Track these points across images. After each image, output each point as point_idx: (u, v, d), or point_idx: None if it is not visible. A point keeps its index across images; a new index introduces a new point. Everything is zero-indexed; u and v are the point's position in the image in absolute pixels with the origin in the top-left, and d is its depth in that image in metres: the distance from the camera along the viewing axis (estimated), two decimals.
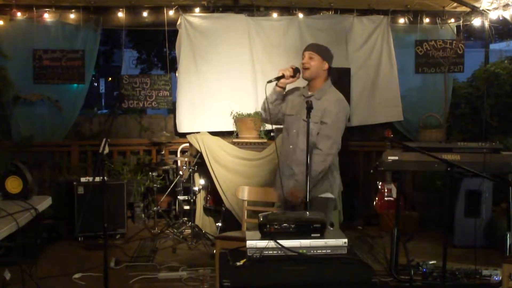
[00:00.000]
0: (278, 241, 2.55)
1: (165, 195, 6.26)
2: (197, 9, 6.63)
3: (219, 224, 5.60)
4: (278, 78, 3.54)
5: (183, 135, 6.49)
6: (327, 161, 3.51)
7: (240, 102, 6.49)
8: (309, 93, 3.57)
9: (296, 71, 3.52)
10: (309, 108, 3.57)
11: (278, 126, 6.43)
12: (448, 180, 4.53)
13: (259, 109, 6.64)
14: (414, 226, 6.00)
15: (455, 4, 6.70)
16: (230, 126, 6.55)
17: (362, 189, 7.07)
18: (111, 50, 15.41)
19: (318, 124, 3.47)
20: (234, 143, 5.98)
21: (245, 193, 4.28)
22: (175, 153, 6.80)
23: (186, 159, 5.91)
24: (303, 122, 3.43)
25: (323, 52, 3.54)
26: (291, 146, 3.56)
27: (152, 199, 6.28)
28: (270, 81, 3.53)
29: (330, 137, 3.52)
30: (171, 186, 6.21)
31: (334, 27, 6.87)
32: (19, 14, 6.47)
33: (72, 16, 6.58)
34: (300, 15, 6.82)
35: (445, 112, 6.97)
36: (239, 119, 6.33)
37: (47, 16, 6.54)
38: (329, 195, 3.60)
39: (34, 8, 6.44)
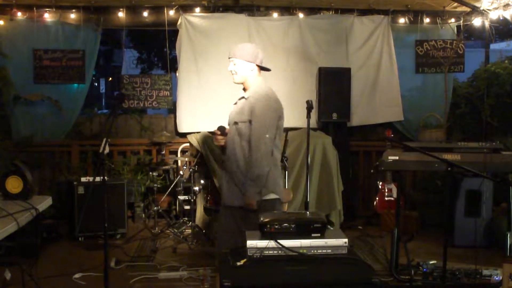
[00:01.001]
0: (279, 241, 2.55)
1: (165, 195, 6.26)
2: (197, 9, 6.63)
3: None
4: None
5: (184, 135, 6.50)
6: (265, 163, 3.40)
7: None
8: (242, 94, 3.59)
9: (222, 129, 3.58)
10: (310, 108, 3.59)
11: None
12: (449, 180, 4.56)
13: None
14: (415, 226, 6.00)
15: (455, 4, 6.70)
16: None
17: (362, 189, 7.08)
18: (111, 50, 15.45)
19: (246, 123, 3.43)
20: None
21: None
22: (175, 153, 6.80)
23: (186, 159, 5.91)
24: (234, 125, 3.50)
25: (245, 55, 3.52)
26: (227, 152, 3.56)
27: (153, 199, 6.28)
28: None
29: (261, 136, 3.39)
30: (172, 186, 6.21)
31: (334, 27, 6.87)
32: (19, 14, 6.47)
33: (72, 16, 6.59)
34: (301, 15, 6.82)
35: (446, 112, 6.97)
36: None
37: (48, 16, 6.54)
38: (274, 196, 3.50)
39: (34, 8, 6.45)
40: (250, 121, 3.41)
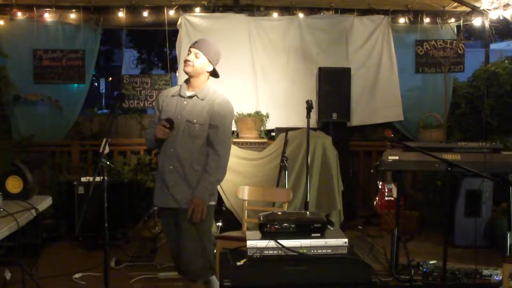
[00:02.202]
0: (279, 241, 2.55)
1: None
2: (197, 9, 6.63)
3: (219, 224, 5.60)
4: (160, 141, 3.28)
5: None
6: (225, 168, 3.29)
7: (241, 102, 6.48)
8: (188, 92, 3.31)
9: (171, 123, 3.23)
10: (310, 107, 3.58)
11: (279, 126, 6.52)
12: (449, 180, 4.56)
13: (259, 108, 6.67)
14: (415, 226, 6.00)
15: (455, 4, 6.70)
16: None
17: (362, 189, 7.08)
18: (111, 50, 15.42)
19: (204, 126, 3.23)
20: (234, 143, 5.98)
21: (245, 193, 4.28)
22: None
23: None
24: (186, 123, 3.23)
25: (211, 54, 3.31)
26: (171, 150, 3.23)
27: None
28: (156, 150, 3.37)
29: (226, 142, 3.28)
30: None
31: (334, 27, 6.88)
32: (19, 14, 6.48)
33: (72, 16, 6.59)
34: (301, 15, 6.82)
35: (446, 112, 6.97)
36: (239, 119, 6.33)
37: (48, 16, 6.55)
38: (213, 202, 3.38)
39: (34, 8, 6.45)
40: (210, 125, 3.24)
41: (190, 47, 3.33)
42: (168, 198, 3.27)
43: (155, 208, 6.03)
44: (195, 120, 3.24)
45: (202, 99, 3.28)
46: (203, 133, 3.24)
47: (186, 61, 3.29)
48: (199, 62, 3.28)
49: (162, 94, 3.48)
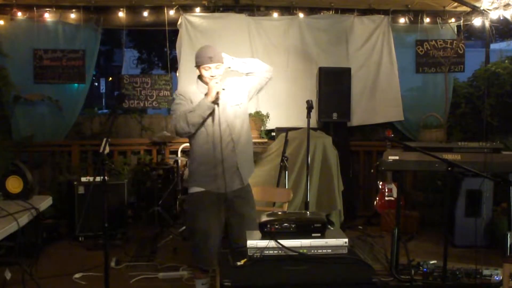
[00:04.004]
0: (279, 240, 2.55)
1: (165, 195, 6.26)
2: (197, 9, 6.63)
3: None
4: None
5: None
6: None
7: None
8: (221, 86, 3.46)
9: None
10: (310, 107, 3.59)
11: (280, 126, 6.51)
12: (449, 180, 4.55)
13: (259, 108, 6.67)
14: (415, 226, 5.99)
15: (455, 4, 6.70)
16: None
17: (362, 189, 7.08)
18: (111, 50, 15.45)
19: (243, 104, 3.52)
20: None
21: None
22: (175, 153, 6.80)
23: (186, 159, 5.90)
24: (229, 107, 3.43)
25: (222, 57, 3.52)
26: (223, 136, 3.38)
27: (153, 199, 6.27)
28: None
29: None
30: (172, 186, 6.21)
31: (334, 27, 6.88)
32: (19, 14, 6.48)
33: (72, 16, 6.59)
34: (301, 15, 6.82)
35: (446, 111, 6.97)
36: None
37: (48, 16, 6.55)
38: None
39: (34, 8, 6.45)
40: (246, 84, 3.54)
41: (205, 64, 3.46)
42: (234, 182, 3.40)
43: (155, 208, 6.05)
44: (235, 104, 3.43)
45: (223, 89, 3.43)
46: (245, 115, 3.49)
47: (212, 76, 3.42)
48: (221, 70, 3.46)
49: (183, 91, 3.56)
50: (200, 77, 3.54)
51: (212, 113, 3.36)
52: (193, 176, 3.47)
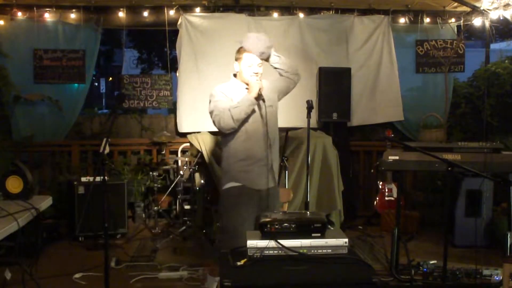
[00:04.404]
0: (279, 240, 2.55)
1: (165, 195, 6.26)
2: (197, 9, 6.63)
3: (219, 224, 5.60)
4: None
5: (184, 135, 6.50)
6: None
7: None
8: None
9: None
10: (310, 108, 3.59)
11: (280, 126, 6.50)
12: (449, 180, 4.55)
13: None
14: (415, 226, 6.00)
15: (455, 4, 6.70)
16: None
17: (362, 189, 7.08)
18: (111, 50, 15.42)
19: (275, 106, 3.62)
20: None
21: None
22: (175, 153, 6.81)
23: (186, 159, 5.91)
24: (267, 108, 3.48)
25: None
26: (264, 132, 3.47)
27: (153, 199, 6.28)
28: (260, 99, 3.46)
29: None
30: (172, 186, 6.22)
31: (334, 27, 6.87)
32: (19, 14, 6.47)
33: (72, 16, 6.58)
34: (301, 15, 6.82)
35: (446, 111, 6.97)
36: None
37: (48, 16, 6.54)
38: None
39: (34, 8, 6.44)
40: (279, 86, 3.65)
41: (253, 56, 3.53)
42: (269, 179, 3.48)
43: (155, 208, 6.05)
44: (269, 104, 3.48)
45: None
46: (276, 116, 3.58)
47: (255, 73, 3.48)
48: (262, 68, 3.55)
49: (223, 89, 3.56)
50: (235, 75, 3.62)
51: (253, 111, 3.41)
52: (229, 172, 3.52)
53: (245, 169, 3.45)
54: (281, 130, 6.15)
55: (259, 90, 3.37)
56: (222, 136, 3.57)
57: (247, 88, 3.46)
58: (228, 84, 3.61)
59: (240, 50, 3.59)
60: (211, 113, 3.49)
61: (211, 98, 3.53)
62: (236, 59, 3.57)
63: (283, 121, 6.66)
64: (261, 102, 3.45)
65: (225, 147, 3.55)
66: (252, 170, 3.45)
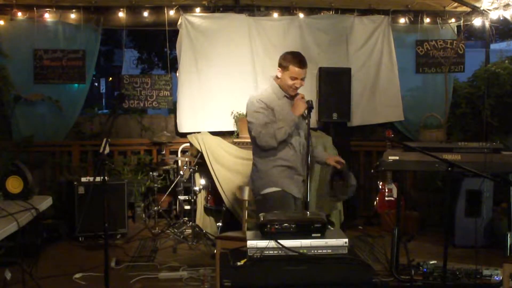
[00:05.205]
0: (279, 241, 2.55)
1: (165, 195, 6.27)
2: (197, 9, 6.63)
3: (220, 224, 5.60)
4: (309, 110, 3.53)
5: (184, 135, 6.50)
6: None
7: (241, 102, 6.46)
8: (285, 93, 3.62)
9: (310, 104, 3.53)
10: (310, 108, 3.59)
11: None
12: (449, 180, 4.55)
13: None
14: (415, 226, 6.00)
15: (455, 4, 6.70)
16: (230, 126, 6.56)
17: (362, 189, 7.07)
18: (111, 50, 15.42)
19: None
20: (234, 143, 5.99)
21: (245, 193, 4.26)
22: (175, 153, 6.80)
23: (186, 159, 5.91)
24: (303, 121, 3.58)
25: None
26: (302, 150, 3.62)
27: (153, 199, 6.28)
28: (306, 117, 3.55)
29: None
30: (172, 186, 6.22)
31: (334, 27, 6.87)
32: (19, 14, 6.47)
33: (72, 16, 6.59)
34: (301, 15, 6.82)
35: (446, 112, 6.97)
36: (239, 119, 6.33)
37: (48, 16, 6.54)
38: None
39: (34, 8, 6.44)
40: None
41: (296, 71, 3.51)
42: (300, 188, 3.63)
43: (155, 208, 6.05)
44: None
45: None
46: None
47: (296, 88, 3.55)
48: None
49: (262, 98, 3.58)
50: (275, 79, 3.64)
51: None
52: (269, 177, 3.61)
53: (285, 175, 3.59)
54: None
55: (305, 109, 3.49)
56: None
57: (286, 96, 3.57)
58: (267, 91, 3.65)
59: (286, 58, 3.57)
60: (249, 122, 3.59)
61: (250, 107, 3.60)
62: (281, 66, 3.58)
63: None
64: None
65: (262, 152, 3.60)
66: (291, 177, 3.60)
